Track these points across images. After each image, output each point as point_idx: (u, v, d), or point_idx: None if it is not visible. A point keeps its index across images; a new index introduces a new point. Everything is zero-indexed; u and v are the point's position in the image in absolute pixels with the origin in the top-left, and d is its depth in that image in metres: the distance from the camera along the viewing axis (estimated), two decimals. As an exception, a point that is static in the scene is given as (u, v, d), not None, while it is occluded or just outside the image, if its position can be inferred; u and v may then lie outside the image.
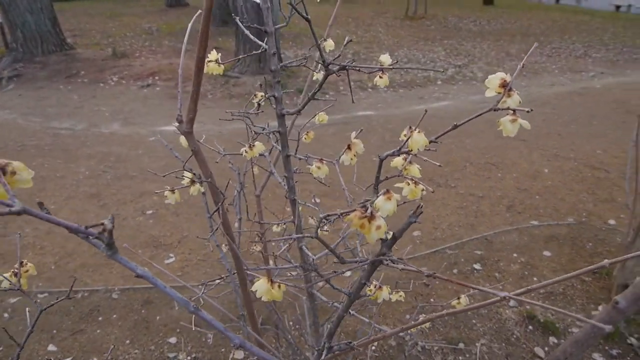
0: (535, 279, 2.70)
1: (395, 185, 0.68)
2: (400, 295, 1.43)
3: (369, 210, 0.49)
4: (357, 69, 0.75)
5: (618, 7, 20.76)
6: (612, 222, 3.18)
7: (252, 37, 0.92)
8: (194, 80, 0.85)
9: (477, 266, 2.75)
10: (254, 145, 0.92)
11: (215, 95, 5.82)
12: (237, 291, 1.11)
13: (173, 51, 8.39)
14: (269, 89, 0.86)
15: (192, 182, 0.89)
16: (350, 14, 13.64)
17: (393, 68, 0.87)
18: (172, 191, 0.91)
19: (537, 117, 5.11)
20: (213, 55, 0.92)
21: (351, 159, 0.76)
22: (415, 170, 0.66)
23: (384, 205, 0.54)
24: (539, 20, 13.86)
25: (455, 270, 2.72)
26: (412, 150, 0.60)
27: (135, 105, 5.79)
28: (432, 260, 2.79)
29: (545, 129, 4.79)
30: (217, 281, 1.00)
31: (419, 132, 0.61)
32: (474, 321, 2.38)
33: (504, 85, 0.56)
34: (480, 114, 0.62)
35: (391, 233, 0.60)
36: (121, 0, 16.50)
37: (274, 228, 1.51)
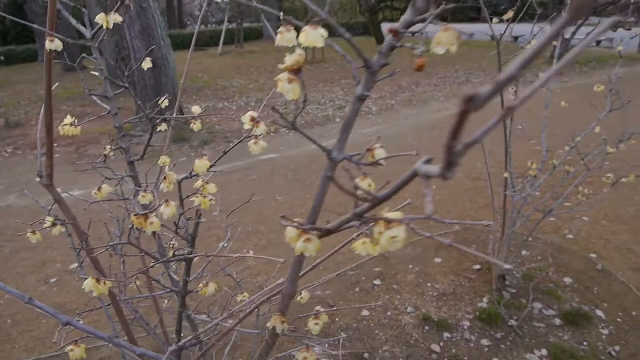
0: (429, 284, 2.97)
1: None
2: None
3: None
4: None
5: (492, 36, 23.15)
6: (489, 222, 3.58)
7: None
8: (46, 141, 0.99)
9: (376, 282, 2.99)
10: (101, 188, 1.06)
11: (117, 155, 5.77)
12: (111, 317, 1.22)
13: (79, 117, 8.20)
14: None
15: (53, 224, 1.01)
16: (252, 64, 14.12)
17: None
18: (34, 232, 1.02)
19: (426, 140, 5.63)
20: (67, 119, 1.05)
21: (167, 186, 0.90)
22: (211, 187, 0.83)
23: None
24: (426, 54, 15.19)
25: (357, 289, 2.93)
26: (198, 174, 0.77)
27: (33, 175, 5.55)
28: (336, 283, 2.98)
29: (433, 149, 5.20)
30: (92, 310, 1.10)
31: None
32: (376, 331, 2.58)
33: (253, 119, 0.77)
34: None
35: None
36: (13, 67, 15.84)
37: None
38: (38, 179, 1.00)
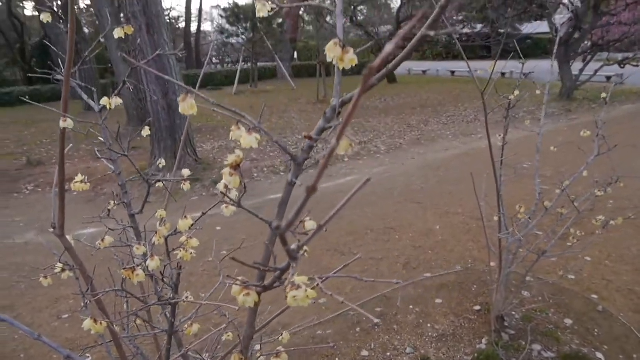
0: (429, 325, 3.01)
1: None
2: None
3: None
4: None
5: (503, 74, 23.53)
6: (492, 264, 3.62)
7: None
8: (59, 198, 1.13)
9: (377, 322, 3.04)
10: (104, 239, 1.19)
11: (132, 195, 5.97)
12: (111, 354, 1.33)
13: (91, 155, 8.51)
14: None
15: (63, 270, 1.14)
16: (265, 103, 14.47)
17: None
18: (46, 277, 1.15)
19: (432, 180, 5.72)
20: (78, 177, 1.19)
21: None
22: (194, 242, 0.95)
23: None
24: (436, 92, 15.44)
25: (358, 329, 2.99)
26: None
27: (52, 212, 5.80)
28: (337, 323, 3.04)
29: (438, 189, 5.38)
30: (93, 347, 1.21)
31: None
32: (375, 373, 2.62)
33: (233, 167, 0.89)
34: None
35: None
36: (38, 107, 16.48)
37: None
38: (51, 230, 1.13)
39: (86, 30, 25.63)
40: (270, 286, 0.69)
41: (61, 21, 16.21)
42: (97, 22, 12.62)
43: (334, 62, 0.64)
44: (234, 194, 0.91)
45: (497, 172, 2.67)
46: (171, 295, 0.88)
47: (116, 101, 1.06)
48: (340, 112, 0.75)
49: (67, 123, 0.99)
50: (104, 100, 1.04)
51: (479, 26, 31.72)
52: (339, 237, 4.20)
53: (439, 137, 8.50)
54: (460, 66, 27.09)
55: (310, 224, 0.81)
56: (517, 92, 2.64)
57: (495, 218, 2.66)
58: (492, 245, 2.89)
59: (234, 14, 25.10)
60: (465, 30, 33.16)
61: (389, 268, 3.64)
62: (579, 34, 14.53)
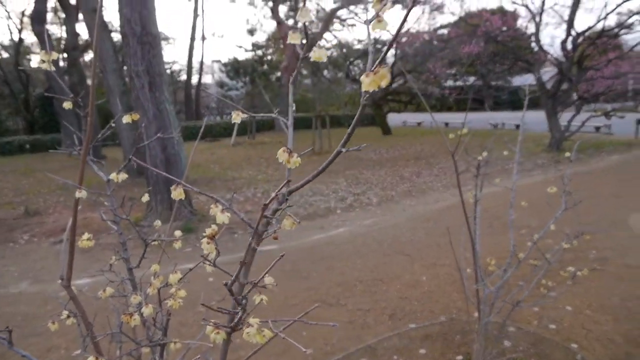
0: (412, 375, 3.10)
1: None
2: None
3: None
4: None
5: (495, 125, 24.20)
6: (476, 314, 3.74)
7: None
8: (69, 254, 1.30)
9: (362, 372, 3.12)
10: (105, 290, 1.35)
11: (129, 245, 6.10)
12: None
13: (88, 205, 8.68)
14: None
15: (68, 317, 1.29)
16: (262, 155, 14.85)
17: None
18: (53, 322, 1.30)
19: (421, 232, 5.89)
20: (85, 235, 1.37)
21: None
22: (182, 293, 1.12)
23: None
24: (430, 144, 15.85)
25: (343, 379, 3.07)
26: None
27: (47, 262, 5.91)
28: (323, 372, 3.13)
29: (426, 241, 5.53)
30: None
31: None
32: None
33: (210, 237, 1.07)
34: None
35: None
36: (38, 155, 16.80)
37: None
38: (60, 281, 1.30)
39: (89, 82, 26.50)
40: (235, 327, 0.86)
41: (66, 75, 16.77)
42: (100, 75, 13.12)
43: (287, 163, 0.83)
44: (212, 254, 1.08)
45: (471, 227, 2.85)
46: (161, 338, 1.03)
47: (122, 176, 1.26)
48: (288, 198, 0.94)
49: (82, 194, 1.18)
50: (113, 176, 1.24)
51: (472, 79, 32.80)
52: (328, 288, 4.32)
53: (430, 188, 8.73)
54: (454, 117, 27.84)
55: (269, 279, 0.99)
56: (485, 153, 2.86)
57: (469, 270, 2.81)
58: (471, 296, 3.03)
59: (234, 69, 26.10)
60: (458, 84, 34.25)
61: (375, 319, 3.75)
62: (566, 87, 15.13)
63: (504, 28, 15.30)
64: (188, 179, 7.68)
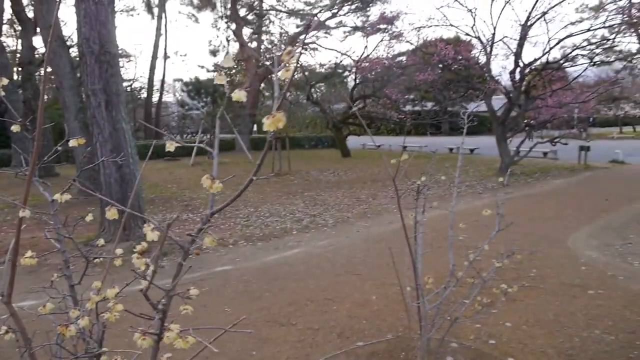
0: (358, 391, 3.20)
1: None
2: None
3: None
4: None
5: (451, 149, 25.03)
6: (431, 333, 3.89)
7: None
8: (10, 270, 1.35)
9: (309, 389, 3.20)
10: (46, 306, 1.41)
11: (77, 266, 5.97)
12: None
13: (36, 225, 8.41)
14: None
15: (7, 332, 1.34)
16: (221, 175, 14.71)
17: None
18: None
19: (373, 252, 6.05)
20: (28, 253, 1.42)
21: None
22: (119, 307, 1.20)
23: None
24: (387, 167, 16.23)
25: (290, 396, 3.14)
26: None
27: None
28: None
29: (377, 261, 5.70)
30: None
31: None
32: None
33: (140, 253, 1.17)
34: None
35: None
36: (-15, 175, 16.10)
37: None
38: (0, 297, 1.34)
39: (45, 97, 25.74)
40: (161, 334, 0.95)
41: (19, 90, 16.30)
42: (57, 90, 12.85)
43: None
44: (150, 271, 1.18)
45: (412, 247, 3.03)
46: (96, 348, 1.10)
47: (66, 197, 1.33)
48: (210, 219, 1.06)
49: (25, 213, 1.25)
50: (57, 196, 1.32)
51: (429, 104, 33.91)
52: (280, 308, 4.39)
53: (385, 210, 8.97)
54: (412, 141, 28.65)
55: (194, 291, 1.09)
56: (423, 178, 3.05)
57: (408, 288, 2.97)
58: (414, 313, 3.18)
59: (195, 88, 26.01)
60: (417, 108, 35.34)
61: (324, 337, 3.84)
62: (515, 115, 15.92)
63: (460, 57, 16.03)
64: (144, 198, 7.58)
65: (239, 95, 0.96)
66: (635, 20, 14.56)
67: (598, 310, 4.35)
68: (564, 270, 5.44)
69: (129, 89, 39.01)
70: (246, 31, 29.36)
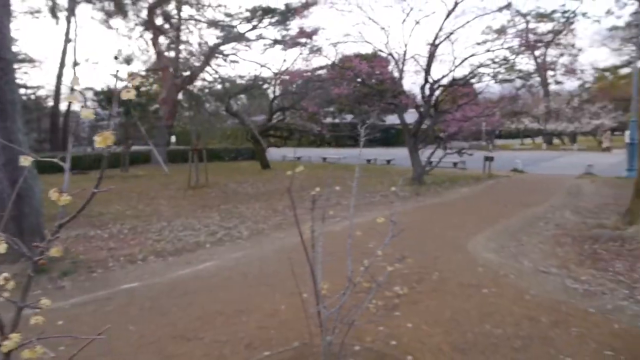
0: (262, 401, 3.24)
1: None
2: None
3: None
4: None
5: (369, 160, 25.84)
6: (328, 338, 4.01)
7: None
8: None
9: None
10: None
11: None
12: None
13: None
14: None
15: None
16: (134, 189, 14.22)
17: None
18: None
19: (285, 263, 6.11)
20: None
21: None
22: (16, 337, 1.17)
23: None
24: (304, 178, 16.34)
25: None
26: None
27: None
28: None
29: (289, 272, 5.74)
30: None
31: None
32: None
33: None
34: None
35: None
36: None
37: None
38: None
39: None
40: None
41: None
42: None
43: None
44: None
45: (309, 255, 3.14)
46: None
47: None
48: (58, 231, 1.08)
49: None
50: None
51: (349, 117, 34.85)
52: (187, 323, 4.32)
53: (301, 221, 9.06)
54: (331, 153, 29.26)
55: (44, 301, 1.09)
56: (317, 189, 3.18)
57: (305, 295, 3.07)
58: (315, 319, 3.29)
59: (107, 98, 24.82)
60: (336, 121, 36.17)
61: (232, 349, 3.84)
62: (425, 127, 16.83)
63: (377, 72, 16.70)
64: (46, 215, 7.13)
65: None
66: (532, 44, 16.08)
67: (490, 307, 4.72)
68: (462, 272, 5.84)
69: (33, 96, 36.32)
70: (164, 40, 28.53)
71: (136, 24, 27.61)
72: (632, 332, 4.18)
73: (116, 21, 27.53)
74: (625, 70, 39.93)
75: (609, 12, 17.25)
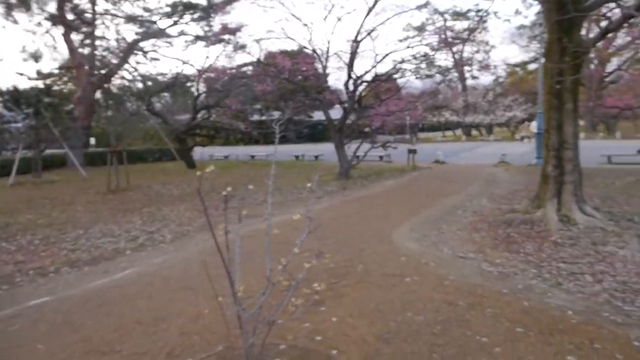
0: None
1: None
2: None
3: None
4: None
5: (297, 156, 25.90)
6: (250, 339, 3.96)
7: None
8: None
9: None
10: None
11: None
12: None
13: None
14: None
15: None
16: (48, 195, 13.28)
17: None
18: None
19: (209, 265, 5.97)
20: None
21: None
22: None
23: None
24: (232, 177, 16.10)
25: None
26: None
27: None
28: None
29: (213, 273, 5.61)
30: None
31: None
32: None
33: None
34: None
35: None
36: None
37: None
38: None
39: None
40: None
41: None
42: None
43: None
44: None
45: (224, 257, 3.08)
46: None
47: None
48: None
49: None
50: None
51: (276, 114, 34.70)
52: (103, 335, 4.09)
53: (223, 221, 8.89)
54: (259, 150, 29.03)
55: None
56: (229, 188, 3.12)
57: (220, 298, 3.02)
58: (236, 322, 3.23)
59: (13, 98, 22.91)
60: (264, 118, 35.91)
61: (152, 358, 3.69)
62: (350, 122, 17.13)
63: (303, 69, 16.73)
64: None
65: None
66: (450, 40, 16.85)
67: (412, 295, 4.89)
68: (386, 263, 6.00)
69: None
70: (77, 36, 26.78)
71: (45, 19, 25.70)
72: (540, 308, 4.50)
73: (19, 15, 25.32)
74: (532, 66, 42.97)
75: (517, 12, 18.42)
